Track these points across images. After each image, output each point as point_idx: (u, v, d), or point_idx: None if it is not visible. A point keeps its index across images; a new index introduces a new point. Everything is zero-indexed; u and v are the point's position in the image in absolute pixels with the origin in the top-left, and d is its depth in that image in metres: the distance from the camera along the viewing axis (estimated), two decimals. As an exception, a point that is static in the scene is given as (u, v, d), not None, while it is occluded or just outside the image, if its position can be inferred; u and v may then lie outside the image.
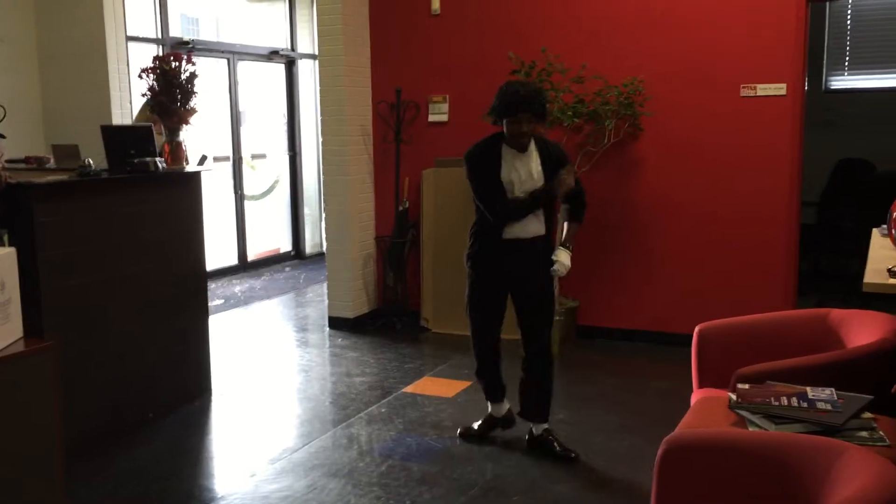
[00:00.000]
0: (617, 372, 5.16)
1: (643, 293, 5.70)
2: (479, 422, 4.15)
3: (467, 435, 4.12)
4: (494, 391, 4.09)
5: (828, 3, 7.05)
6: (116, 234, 4.23)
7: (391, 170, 6.27)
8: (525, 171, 3.72)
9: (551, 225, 3.88)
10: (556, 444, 3.91)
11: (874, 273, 2.57)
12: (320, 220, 9.01)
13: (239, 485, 3.68)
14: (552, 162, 3.75)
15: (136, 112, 6.60)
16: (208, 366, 4.91)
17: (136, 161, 4.32)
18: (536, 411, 3.94)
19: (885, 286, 2.45)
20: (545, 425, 3.95)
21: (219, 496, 3.58)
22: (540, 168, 3.73)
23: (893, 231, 2.48)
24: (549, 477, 3.71)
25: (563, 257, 3.79)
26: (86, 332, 4.09)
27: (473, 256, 3.89)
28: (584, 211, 3.92)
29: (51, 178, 3.95)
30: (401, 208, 6.24)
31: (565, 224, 3.92)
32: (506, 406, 4.12)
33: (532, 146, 3.75)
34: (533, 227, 3.77)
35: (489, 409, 4.14)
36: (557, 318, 5.44)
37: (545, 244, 3.84)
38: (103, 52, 6.50)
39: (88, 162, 4.13)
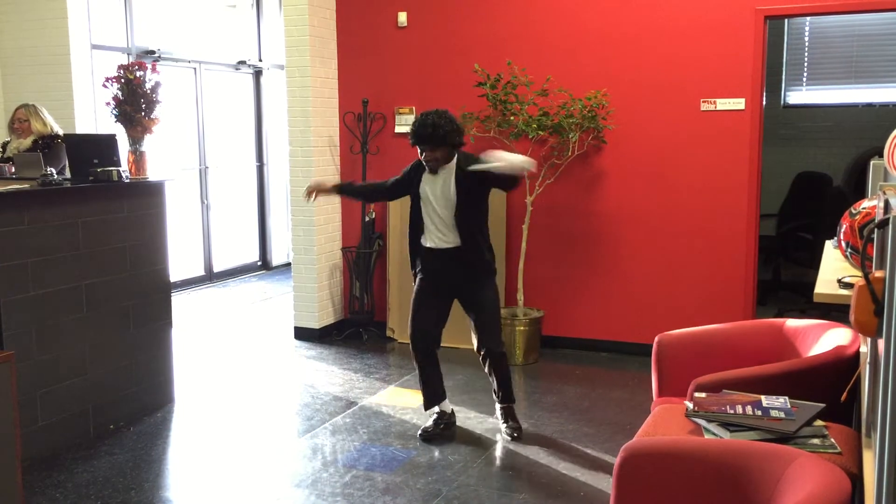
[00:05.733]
0: (579, 381, 5.22)
1: (606, 304, 5.77)
2: (434, 420, 4.32)
3: (427, 436, 4.26)
4: (435, 395, 4.33)
5: (786, 20, 7.21)
6: (79, 244, 4.20)
7: (358, 181, 6.27)
8: (439, 189, 4.10)
9: (477, 238, 4.12)
10: (505, 421, 4.28)
11: (825, 283, 2.63)
12: (287, 231, 8.98)
13: (201, 497, 3.67)
14: (465, 180, 4.04)
15: (101, 122, 6.56)
16: (172, 376, 4.89)
17: (98, 170, 4.31)
18: (497, 393, 4.33)
19: (835, 296, 2.51)
20: (504, 404, 4.32)
21: (181, 508, 3.57)
22: (454, 188, 4.06)
23: (842, 243, 2.55)
24: (512, 486, 3.75)
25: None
26: (47, 342, 4.05)
27: (412, 260, 4.30)
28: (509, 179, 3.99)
29: (11, 186, 3.92)
30: (367, 219, 6.25)
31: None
32: (448, 406, 4.38)
33: (452, 165, 4.08)
34: (442, 238, 4.12)
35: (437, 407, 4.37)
36: (522, 328, 5.52)
37: (466, 254, 4.09)
38: (67, 61, 6.45)
39: (50, 171, 4.11)
